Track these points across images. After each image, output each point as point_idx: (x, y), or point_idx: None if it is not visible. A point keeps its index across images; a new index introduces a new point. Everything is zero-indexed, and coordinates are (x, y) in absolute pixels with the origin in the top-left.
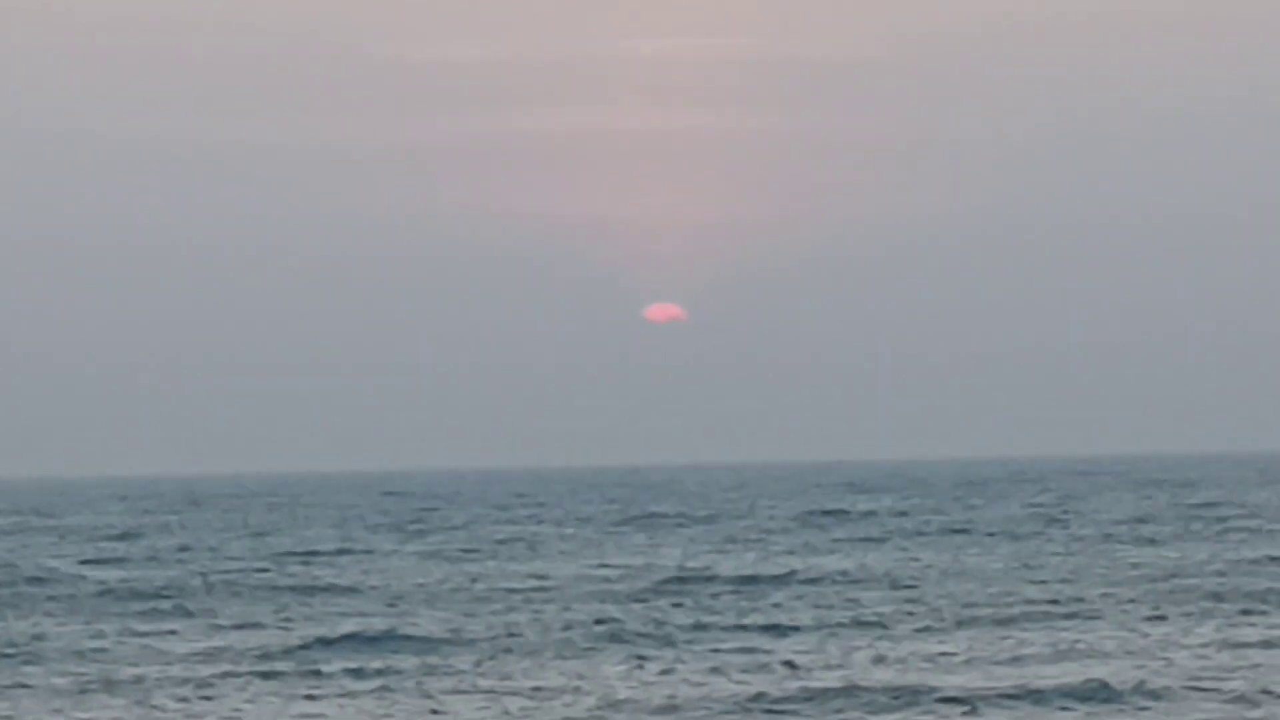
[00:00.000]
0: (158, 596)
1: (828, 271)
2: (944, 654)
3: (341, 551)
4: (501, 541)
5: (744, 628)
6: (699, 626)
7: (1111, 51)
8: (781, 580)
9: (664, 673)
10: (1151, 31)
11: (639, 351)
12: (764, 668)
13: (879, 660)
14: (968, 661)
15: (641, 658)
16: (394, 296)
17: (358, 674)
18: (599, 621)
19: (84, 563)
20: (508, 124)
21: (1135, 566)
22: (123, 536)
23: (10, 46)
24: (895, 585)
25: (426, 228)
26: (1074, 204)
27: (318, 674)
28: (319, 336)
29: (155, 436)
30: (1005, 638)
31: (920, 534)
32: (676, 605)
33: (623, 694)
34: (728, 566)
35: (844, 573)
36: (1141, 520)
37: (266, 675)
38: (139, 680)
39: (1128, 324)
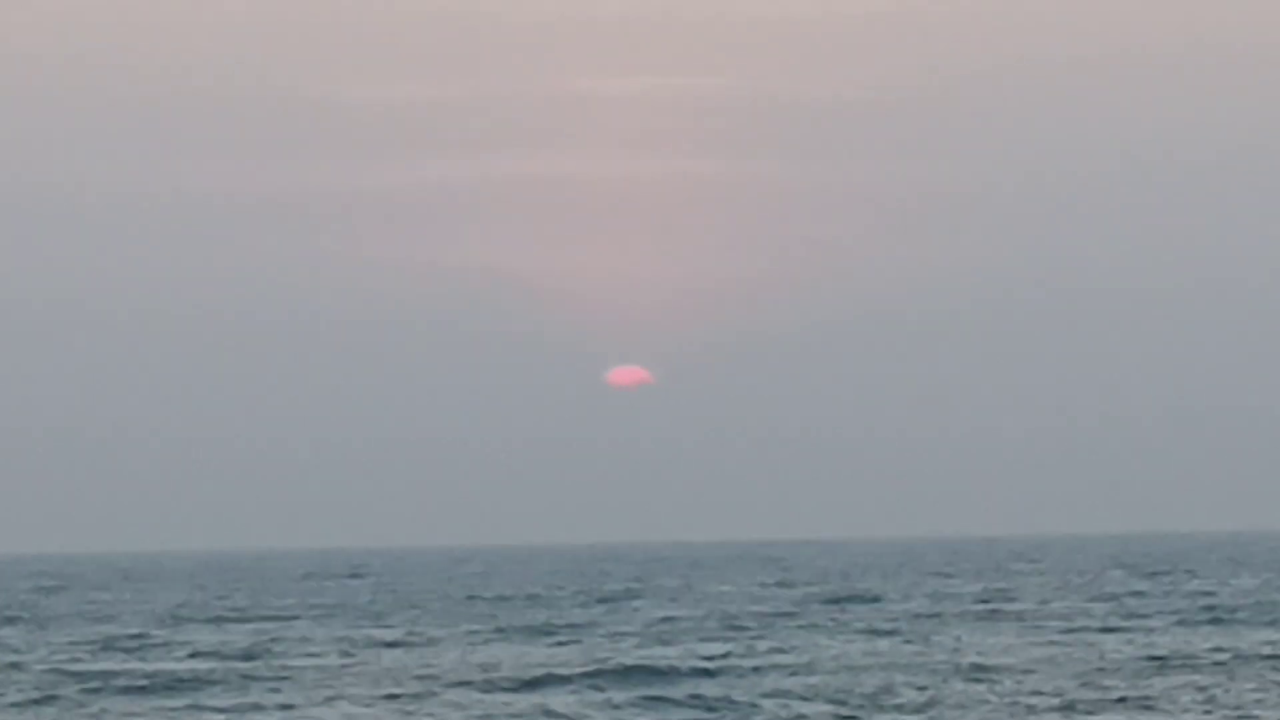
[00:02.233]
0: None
1: (807, 332)
2: None
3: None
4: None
5: None
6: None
7: (1117, 97)
8: None
9: None
10: (1155, 76)
11: (602, 419)
12: None
13: None
14: None
15: None
16: (332, 360)
17: None
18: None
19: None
20: (465, 170)
21: None
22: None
23: None
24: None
25: (368, 282)
26: (1076, 263)
27: None
28: (244, 407)
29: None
30: None
31: None
32: None
33: None
34: None
35: None
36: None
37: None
38: None
39: (1135, 401)
